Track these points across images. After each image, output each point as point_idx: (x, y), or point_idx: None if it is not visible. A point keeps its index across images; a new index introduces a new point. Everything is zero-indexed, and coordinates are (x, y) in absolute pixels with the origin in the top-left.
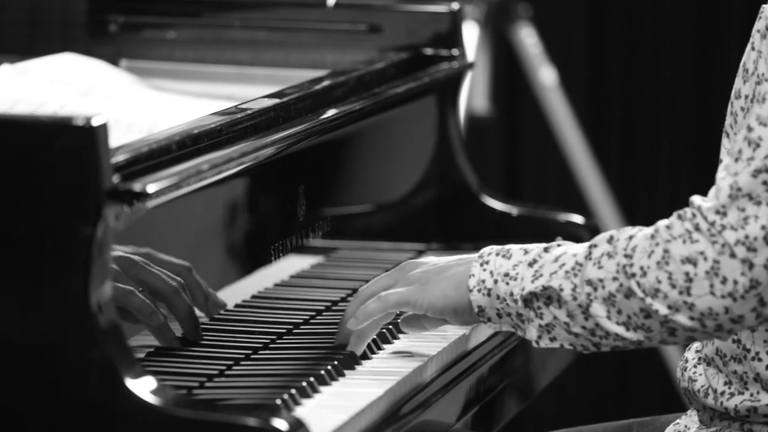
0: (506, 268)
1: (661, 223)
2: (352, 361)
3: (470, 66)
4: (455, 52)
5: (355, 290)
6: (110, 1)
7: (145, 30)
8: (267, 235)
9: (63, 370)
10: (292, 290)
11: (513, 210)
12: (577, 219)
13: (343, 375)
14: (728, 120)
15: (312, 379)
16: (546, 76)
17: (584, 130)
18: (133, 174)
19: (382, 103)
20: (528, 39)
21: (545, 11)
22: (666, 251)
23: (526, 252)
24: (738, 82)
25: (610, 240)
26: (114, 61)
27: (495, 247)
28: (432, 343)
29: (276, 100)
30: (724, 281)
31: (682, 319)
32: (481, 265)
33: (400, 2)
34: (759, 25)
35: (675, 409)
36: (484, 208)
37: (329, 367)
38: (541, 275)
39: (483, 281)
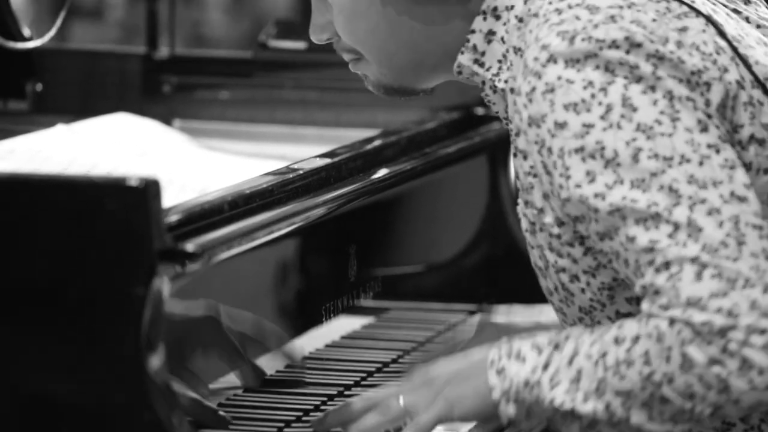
0: (524, 375)
1: (663, 325)
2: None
3: None
4: None
5: (406, 352)
6: (164, 62)
7: (198, 90)
8: (318, 296)
9: (115, 431)
10: (344, 351)
11: None
12: None
13: None
14: None
15: None
16: None
17: None
18: (185, 234)
19: (433, 163)
20: None
21: None
22: (684, 354)
23: (539, 351)
24: None
25: (617, 341)
26: (167, 121)
27: (503, 348)
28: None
29: (327, 160)
30: (761, 372)
31: (731, 412)
32: (498, 373)
33: None
34: None
35: None
36: None
37: None
38: (559, 383)
39: (506, 392)
